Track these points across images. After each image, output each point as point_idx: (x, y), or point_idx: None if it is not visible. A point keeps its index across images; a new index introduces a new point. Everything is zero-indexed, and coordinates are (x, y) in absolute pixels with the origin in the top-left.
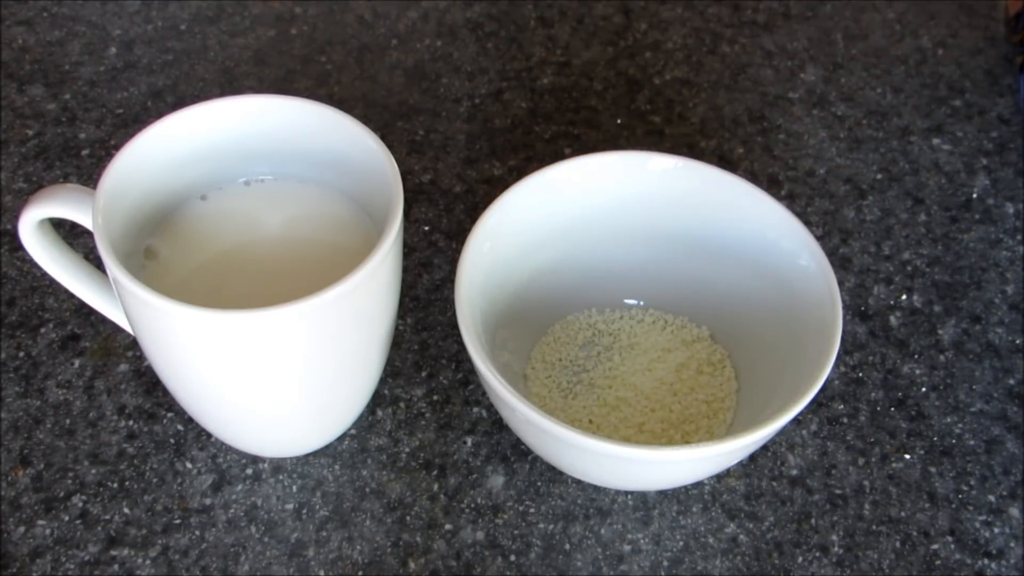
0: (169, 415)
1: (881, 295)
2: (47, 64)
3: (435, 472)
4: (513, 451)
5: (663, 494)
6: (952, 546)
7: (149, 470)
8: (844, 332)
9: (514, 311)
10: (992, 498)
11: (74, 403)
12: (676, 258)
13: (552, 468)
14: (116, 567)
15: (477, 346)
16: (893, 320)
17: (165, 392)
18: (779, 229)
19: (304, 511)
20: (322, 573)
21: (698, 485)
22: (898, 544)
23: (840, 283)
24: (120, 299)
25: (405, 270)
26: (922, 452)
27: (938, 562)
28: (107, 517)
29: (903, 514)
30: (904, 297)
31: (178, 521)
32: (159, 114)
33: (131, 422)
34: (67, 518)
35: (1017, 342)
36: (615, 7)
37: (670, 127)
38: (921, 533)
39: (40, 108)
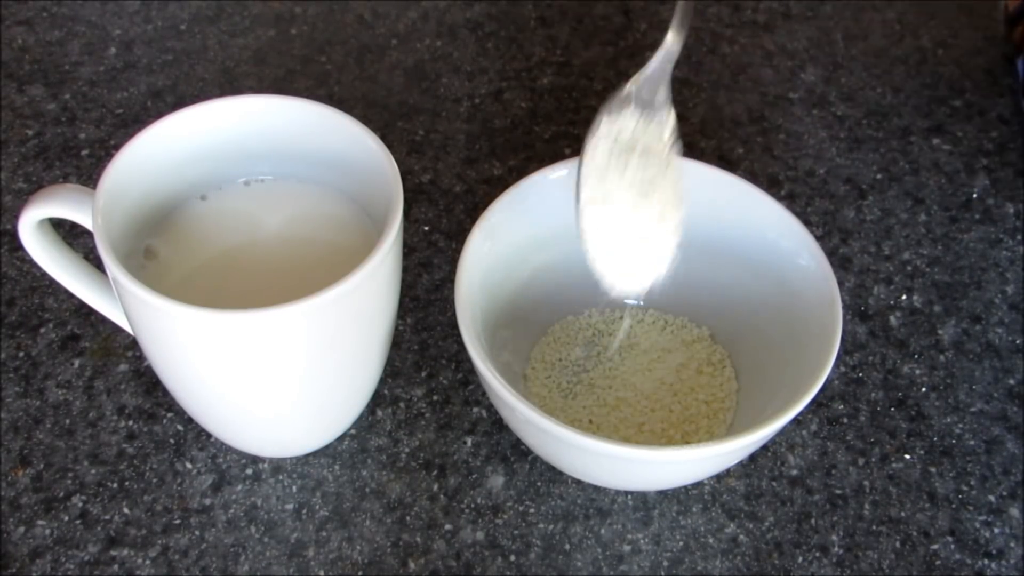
0: (169, 415)
1: (881, 295)
2: (47, 64)
3: (435, 472)
4: (513, 451)
5: (663, 494)
6: (952, 546)
7: (149, 470)
8: (844, 332)
9: (514, 311)
10: (992, 498)
11: (74, 403)
12: (676, 258)
13: (552, 468)
14: (116, 567)
15: (477, 346)
16: (893, 320)
17: (165, 392)
18: (779, 229)
19: (304, 511)
20: (322, 573)
21: (698, 485)
22: (898, 544)
23: (840, 283)
24: (120, 299)
25: (405, 270)
26: (922, 452)
27: (938, 562)
28: (107, 517)
29: (903, 514)
30: (904, 297)
31: (178, 521)
32: (159, 114)
33: (131, 422)
34: (67, 518)
35: (1017, 342)
36: (615, 7)
37: None
38: (921, 533)
39: (40, 108)
